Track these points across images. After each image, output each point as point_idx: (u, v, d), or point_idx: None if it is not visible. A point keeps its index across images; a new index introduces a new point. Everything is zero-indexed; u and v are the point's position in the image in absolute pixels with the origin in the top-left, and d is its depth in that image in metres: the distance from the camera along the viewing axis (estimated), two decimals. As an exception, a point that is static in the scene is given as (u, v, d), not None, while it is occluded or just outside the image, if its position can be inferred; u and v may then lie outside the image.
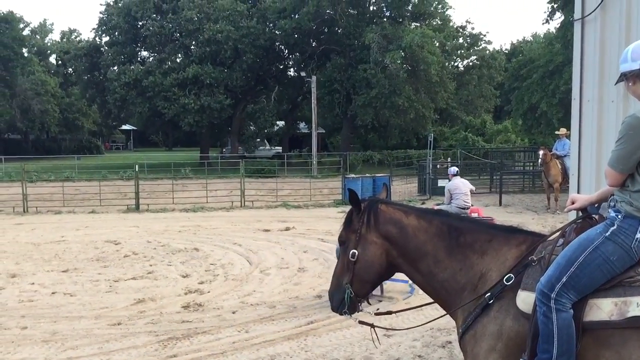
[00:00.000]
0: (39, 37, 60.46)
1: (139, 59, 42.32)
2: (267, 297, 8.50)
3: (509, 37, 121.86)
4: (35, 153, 47.68)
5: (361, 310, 3.61)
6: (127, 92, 38.31)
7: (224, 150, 48.02)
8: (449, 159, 31.33)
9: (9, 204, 19.77)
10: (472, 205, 12.57)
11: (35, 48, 55.66)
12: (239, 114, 41.70)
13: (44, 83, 49.64)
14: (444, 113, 43.54)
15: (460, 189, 12.34)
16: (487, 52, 42.75)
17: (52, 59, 61.36)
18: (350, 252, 3.39)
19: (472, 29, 43.71)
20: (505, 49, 55.99)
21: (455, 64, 44.30)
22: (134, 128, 70.07)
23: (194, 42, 39.38)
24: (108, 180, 26.65)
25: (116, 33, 40.96)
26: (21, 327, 7.11)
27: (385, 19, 38.22)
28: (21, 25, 49.41)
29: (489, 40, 70.20)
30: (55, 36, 65.99)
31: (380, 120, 37.29)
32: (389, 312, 3.80)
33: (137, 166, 21.32)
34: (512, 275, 2.98)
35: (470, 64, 43.51)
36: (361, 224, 3.40)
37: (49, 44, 62.33)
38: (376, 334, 3.68)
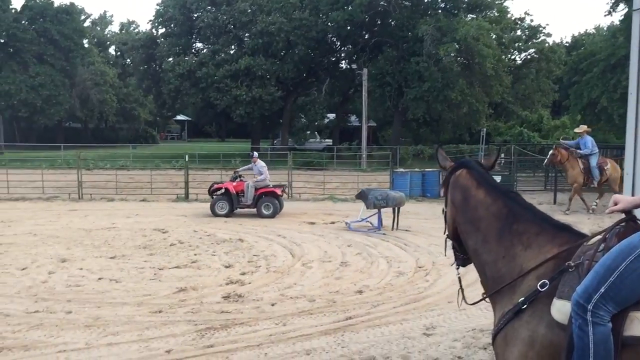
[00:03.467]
0: (99, 28, 62.40)
1: (193, 50, 43.06)
2: (307, 290, 8.43)
3: (571, 30, 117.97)
4: (94, 141, 49.20)
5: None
6: (181, 83, 39.00)
7: (275, 142, 48.34)
8: (502, 155, 30.56)
9: (65, 191, 20.42)
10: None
11: (95, 39, 57.42)
12: (290, 106, 41.86)
13: (103, 73, 51.13)
14: (499, 107, 42.55)
15: (266, 168, 16.12)
16: (547, 45, 41.42)
17: (112, 50, 63.18)
18: (442, 208, 3.64)
19: (531, 20, 42.48)
20: (566, 42, 54.25)
21: (512, 57, 43.19)
22: (189, 119, 71.50)
23: (247, 34, 39.77)
24: (160, 169, 27.19)
25: (172, 25, 41.76)
26: (66, 312, 7.28)
27: (439, 11, 37.57)
28: (82, 17, 50.97)
29: (548, 33, 68.20)
30: (114, 28, 67.96)
31: (432, 114, 36.74)
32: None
33: (187, 156, 21.64)
34: (546, 281, 2.78)
35: (528, 57, 42.32)
36: (446, 184, 3.57)
37: (108, 35, 64.21)
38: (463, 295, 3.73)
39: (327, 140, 48.54)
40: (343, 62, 44.93)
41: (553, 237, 3.00)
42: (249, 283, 8.82)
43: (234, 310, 7.38)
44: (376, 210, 13.81)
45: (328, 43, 41.39)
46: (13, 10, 42.26)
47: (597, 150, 16.91)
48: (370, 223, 14.07)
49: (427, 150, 36.54)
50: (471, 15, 38.16)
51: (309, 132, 44.36)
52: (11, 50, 41.46)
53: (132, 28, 65.64)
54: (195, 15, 41.04)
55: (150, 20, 44.47)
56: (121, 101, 56.52)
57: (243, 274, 9.39)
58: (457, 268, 3.72)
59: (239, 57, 38.35)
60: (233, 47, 41.63)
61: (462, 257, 3.63)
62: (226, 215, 15.80)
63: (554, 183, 20.19)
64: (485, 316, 6.97)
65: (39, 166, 24.54)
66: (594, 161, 16.57)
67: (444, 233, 3.68)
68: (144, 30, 53.56)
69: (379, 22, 39.23)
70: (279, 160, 31.17)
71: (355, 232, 13.45)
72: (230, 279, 8.98)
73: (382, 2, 36.89)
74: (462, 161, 3.59)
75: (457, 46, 33.77)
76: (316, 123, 43.45)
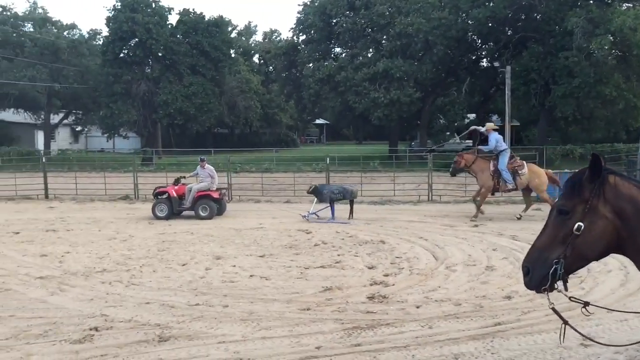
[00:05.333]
0: (244, 38, 65.73)
1: (332, 55, 43.97)
2: (453, 293, 8.30)
3: None
4: (240, 146, 51.91)
5: (556, 289, 3.32)
6: (321, 87, 40.00)
7: (413, 143, 47.95)
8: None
9: (216, 192, 21.79)
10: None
11: (241, 49, 60.53)
12: (429, 107, 41.31)
13: (248, 81, 53.80)
14: (661, 102, 38.86)
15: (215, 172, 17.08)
16: None
17: (255, 58, 66.35)
18: (576, 225, 3.12)
19: (699, 5, 38.19)
20: None
21: (677, 47, 39.22)
22: (327, 122, 73.19)
23: (384, 37, 39.88)
24: (302, 172, 28.06)
25: (312, 31, 42.94)
26: (223, 305, 7.79)
27: (591, 1, 35.05)
28: (229, 28, 54.03)
29: None
30: (258, 37, 71.24)
31: (582, 112, 34.37)
32: (587, 303, 3.43)
33: (328, 159, 22.18)
34: None
35: (697, 46, 38.19)
36: (593, 194, 3.12)
37: (252, 45, 67.46)
38: (564, 330, 3.47)
39: (467, 141, 47.24)
40: (484, 60, 43.45)
41: None
42: (393, 284, 8.86)
43: (379, 311, 7.46)
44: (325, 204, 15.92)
45: (468, 41, 40.24)
46: (169, 26, 45.89)
47: (505, 149, 15.48)
48: (316, 215, 15.93)
49: (577, 150, 34.26)
50: (627, 4, 35.20)
51: (448, 133, 43.43)
52: (168, 62, 45.04)
53: (274, 36, 68.48)
54: (334, 20, 41.88)
55: (291, 28, 46.18)
56: (264, 107, 59.10)
57: (386, 275, 9.45)
58: (548, 294, 3.26)
59: (376, 60, 38.54)
60: (371, 50, 41.92)
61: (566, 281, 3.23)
62: (166, 218, 16.12)
63: None
64: (651, 329, 6.43)
65: (193, 169, 26.33)
66: (501, 163, 15.17)
67: (557, 258, 3.16)
68: (285, 38, 55.72)
69: (523, 17, 37.45)
70: (417, 162, 30.90)
71: (500, 235, 12.99)
72: (374, 280, 9.08)
73: (526, -4, 35.24)
74: (606, 168, 3.23)
75: (611, 38, 31.34)
76: (456, 124, 42.43)
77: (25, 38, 48.19)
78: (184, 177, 17.63)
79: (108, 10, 44.59)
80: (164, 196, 16.63)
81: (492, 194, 16.10)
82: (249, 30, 68.61)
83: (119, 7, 43.40)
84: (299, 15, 44.07)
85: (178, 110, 43.36)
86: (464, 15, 37.89)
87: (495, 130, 16.01)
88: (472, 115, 46.45)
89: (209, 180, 16.76)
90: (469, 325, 6.89)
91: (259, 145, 55.11)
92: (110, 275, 9.64)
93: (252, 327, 6.88)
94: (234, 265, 10.28)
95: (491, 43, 39.97)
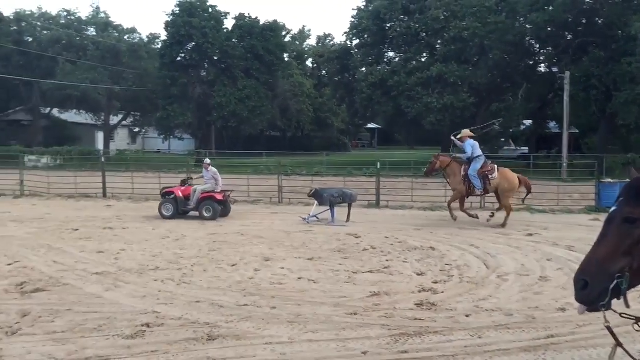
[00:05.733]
0: (298, 42, 66.28)
1: (385, 59, 43.84)
2: (504, 303, 8.10)
3: None
4: (291, 149, 52.26)
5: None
6: (374, 92, 39.92)
7: (465, 149, 47.20)
8: None
9: (267, 195, 22.00)
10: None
11: (294, 53, 61.07)
12: (483, 112, 40.58)
13: (300, 85, 54.23)
14: None
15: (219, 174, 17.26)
16: None
17: (309, 62, 66.79)
18: None
19: None
20: None
21: None
22: (379, 127, 72.94)
23: (439, 41, 39.48)
24: (353, 176, 27.97)
25: (365, 36, 42.98)
26: (271, 307, 7.84)
27: (656, 5, 33.81)
28: (283, 33, 54.59)
29: None
30: (312, 41, 71.72)
31: (646, 120, 33.10)
32: (639, 319, 3.23)
33: (379, 164, 22.07)
34: None
35: None
36: None
37: (306, 49, 67.94)
38: (615, 350, 3.27)
39: (522, 148, 46.20)
40: (542, 65, 42.49)
41: None
42: (442, 292, 8.72)
43: (428, 319, 7.36)
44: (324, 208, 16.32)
45: (526, 46, 39.36)
46: (225, 30, 46.76)
47: (479, 156, 15.40)
48: (317, 217, 16.32)
49: (639, 160, 32.97)
50: (695, 8, 33.74)
51: (503, 139, 42.58)
52: (223, 66, 45.87)
53: (327, 41, 68.78)
54: (388, 25, 41.76)
55: (345, 33, 46.21)
56: (316, 111, 59.41)
57: (435, 282, 9.32)
58: (605, 311, 3.04)
59: (430, 64, 38.22)
60: (425, 54, 41.61)
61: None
62: (171, 217, 16.51)
63: None
64: None
65: (245, 172, 26.74)
66: (472, 169, 15.17)
67: (620, 271, 2.99)
68: (339, 42, 55.92)
69: (584, 22, 36.39)
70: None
71: (555, 246, 12.62)
72: (422, 287, 8.97)
73: (588, 0, 34.20)
74: None
75: (678, 43, 30.15)
76: (511, 130, 41.60)
77: (88, 42, 50.02)
78: (191, 179, 17.97)
79: (167, 14, 45.81)
80: (171, 196, 17.08)
81: (467, 197, 16.24)
82: (302, 35, 69.12)
83: (177, 11, 44.46)
84: (353, 20, 44.18)
85: (232, 112, 44.06)
86: (521, 19, 37.11)
87: (471, 137, 16.04)
88: (528, 122, 45.42)
89: (212, 182, 17.10)
90: (520, 336, 6.72)
91: (310, 149, 55.28)
92: (162, 273, 9.86)
93: (299, 330, 6.90)
94: (283, 268, 10.34)
95: (550, 48, 39.02)
